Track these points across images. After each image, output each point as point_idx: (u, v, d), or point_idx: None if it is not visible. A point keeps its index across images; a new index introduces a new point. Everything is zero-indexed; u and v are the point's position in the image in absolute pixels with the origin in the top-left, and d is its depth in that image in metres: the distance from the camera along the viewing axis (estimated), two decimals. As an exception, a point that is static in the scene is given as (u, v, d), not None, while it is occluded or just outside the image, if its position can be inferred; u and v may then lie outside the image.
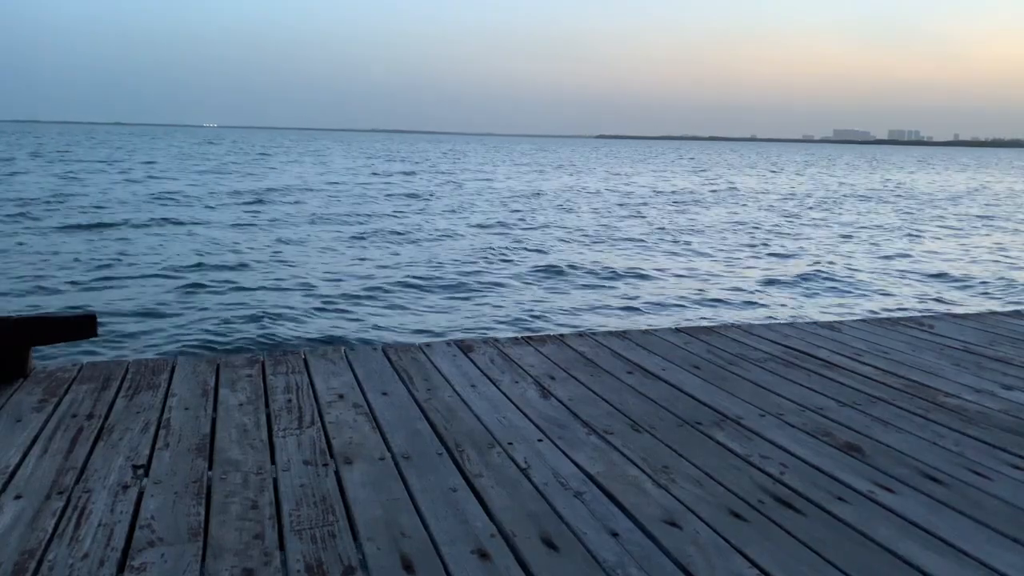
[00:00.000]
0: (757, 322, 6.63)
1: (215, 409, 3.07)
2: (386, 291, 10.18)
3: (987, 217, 24.06)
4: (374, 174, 37.53)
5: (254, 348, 7.28)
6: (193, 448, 2.67)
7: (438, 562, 1.98)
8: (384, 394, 3.30)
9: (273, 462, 2.57)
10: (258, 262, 12.03)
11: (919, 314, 7.63)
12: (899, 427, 3.05)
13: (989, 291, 11.85)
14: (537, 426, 2.97)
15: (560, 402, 3.26)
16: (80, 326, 3.46)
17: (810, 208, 25.56)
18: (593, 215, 21.19)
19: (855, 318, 6.34)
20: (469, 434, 2.87)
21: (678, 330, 4.65)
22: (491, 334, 7.93)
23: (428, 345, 4.14)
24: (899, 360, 4.04)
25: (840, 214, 23.58)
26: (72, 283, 10.03)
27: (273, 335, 7.81)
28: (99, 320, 3.48)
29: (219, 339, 7.60)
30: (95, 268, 11.08)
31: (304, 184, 29.34)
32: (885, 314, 9.37)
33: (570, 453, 2.71)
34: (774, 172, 54.12)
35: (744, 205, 26.01)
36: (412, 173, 39.23)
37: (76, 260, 11.63)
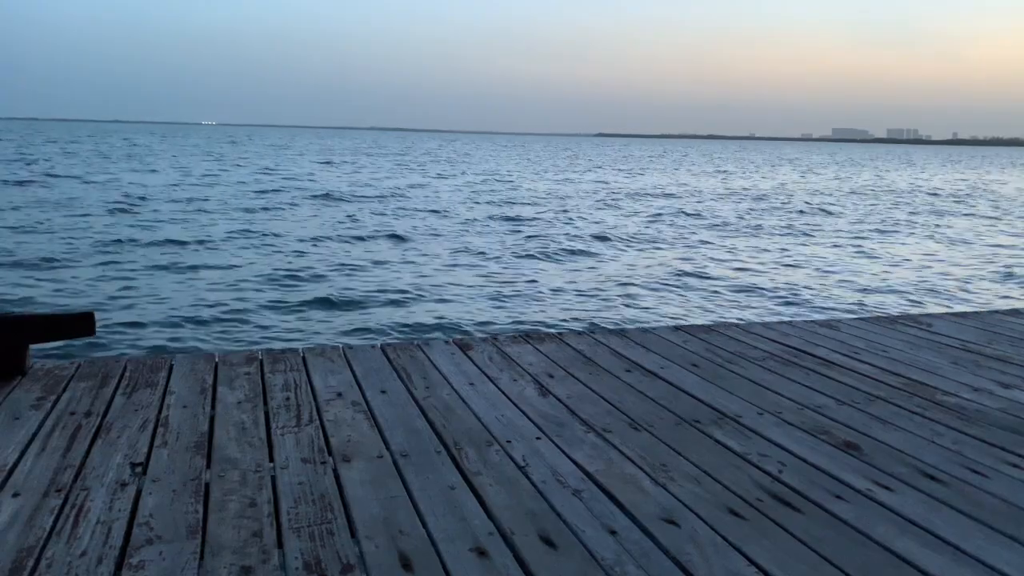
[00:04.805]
0: (756, 320, 6.63)
1: (213, 407, 3.06)
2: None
3: None
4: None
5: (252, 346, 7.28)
6: (191, 446, 2.67)
7: (436, 560, 1.98)
8: (383, 392, 3.30)
9: (271, 460, 2.57)
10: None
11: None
12: (897, 425, 3.05)
13: None
14: (536, 424, 2.97)
15: (559, 400, 3.25)
16: (78, 324, 3.46)
17: None
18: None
19: (853, 316, 6.33)
20: (467, 432, 2.87)
21: (677, 328, 4.65)
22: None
23: (427, 343, 4.14)
24: (898, 359, 4.04)
25: None
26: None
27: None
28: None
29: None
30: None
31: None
32: None
33: (569, 451, 2.71)
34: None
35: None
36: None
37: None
